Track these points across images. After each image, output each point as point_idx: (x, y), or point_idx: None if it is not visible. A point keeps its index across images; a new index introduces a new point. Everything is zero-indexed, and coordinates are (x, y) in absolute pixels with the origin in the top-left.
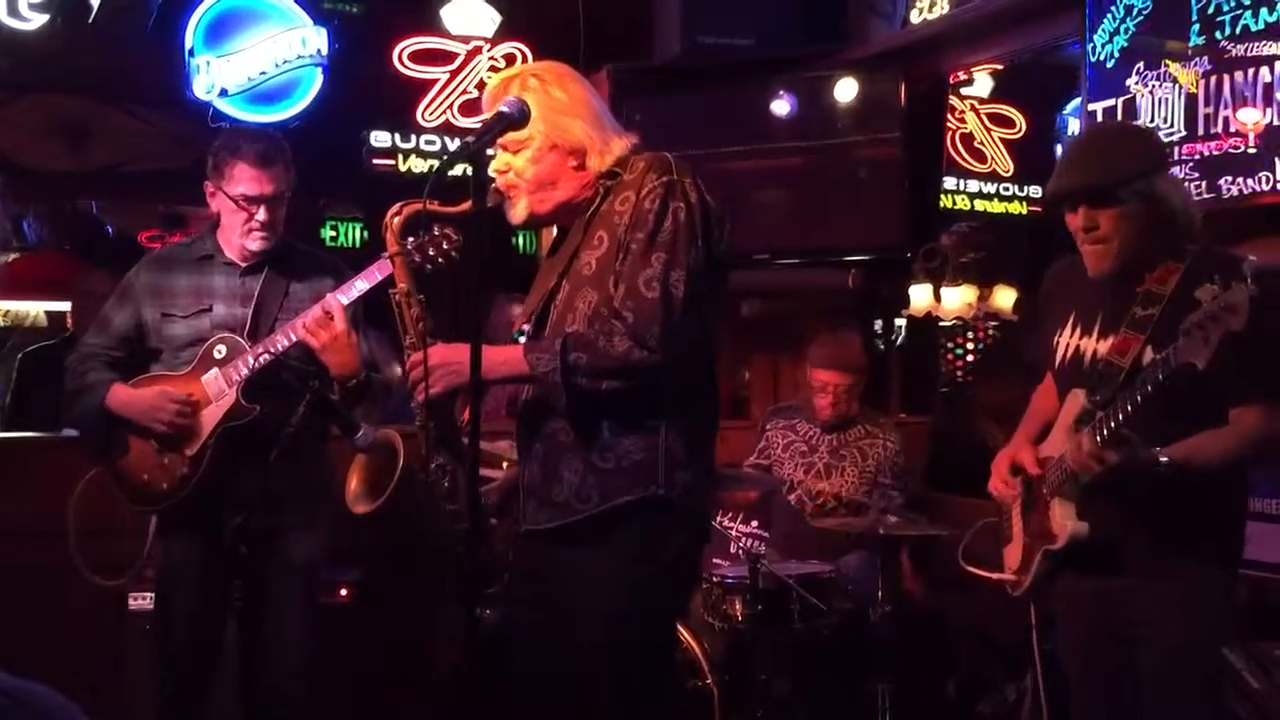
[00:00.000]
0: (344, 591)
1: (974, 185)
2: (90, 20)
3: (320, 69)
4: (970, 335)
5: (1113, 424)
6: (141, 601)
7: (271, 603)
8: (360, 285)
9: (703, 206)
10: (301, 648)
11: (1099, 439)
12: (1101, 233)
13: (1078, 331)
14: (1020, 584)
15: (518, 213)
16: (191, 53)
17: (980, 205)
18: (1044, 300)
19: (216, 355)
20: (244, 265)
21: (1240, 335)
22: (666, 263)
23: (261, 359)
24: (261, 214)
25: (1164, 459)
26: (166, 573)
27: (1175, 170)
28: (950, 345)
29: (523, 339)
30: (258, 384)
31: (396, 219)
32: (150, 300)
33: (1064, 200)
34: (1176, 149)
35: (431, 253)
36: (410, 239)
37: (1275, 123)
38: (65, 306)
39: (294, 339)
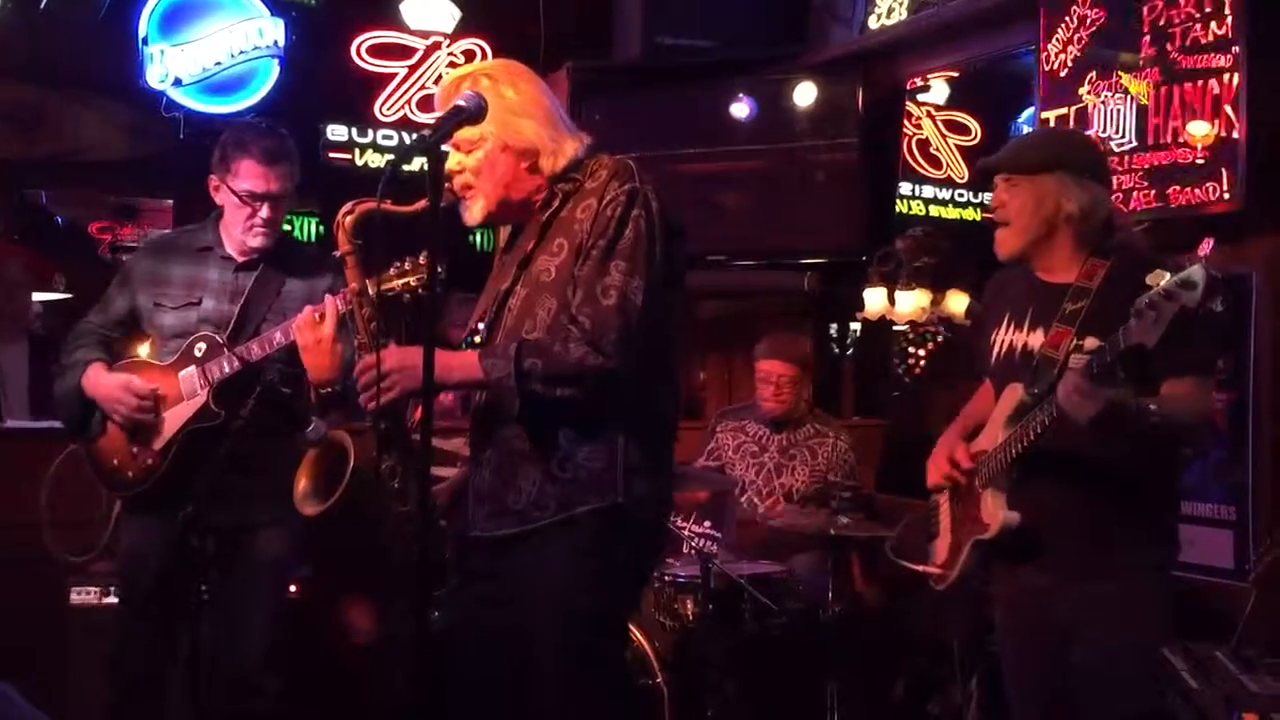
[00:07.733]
0: (293, 588)
1: (929, 191)
2: (42, 6)
3: (277, 60)
4: (923, 339)
5: (1107, 359)
6: (85, 596)
7: (238, 598)
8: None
9: (663, 216)
10: (269, 641)
11: (1090, 376)
12: (1004, 214)
13: (1011, 327)
14: (946, 577)
15: (473, 214)
16: (145, 41)
17: (935, 210)
18: (984, 308)
19: (196, 353)
20: (240, 260)
21: (1191, 312)
22: (626, 271)
23: (235, 365)
24: (265, 211)
25: (1153, 407)
26: (129, 562)
27: (1124, 179)
28: (903, 348)
29: (476, 339)
30: (233, 387)
31: (349, 218)
32: (146, 287)
33: (986, 176)
34: (1127, 159)
35: (413, 283)
36: (393, 271)
37: (1223, 134)
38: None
39: (269, 349)
